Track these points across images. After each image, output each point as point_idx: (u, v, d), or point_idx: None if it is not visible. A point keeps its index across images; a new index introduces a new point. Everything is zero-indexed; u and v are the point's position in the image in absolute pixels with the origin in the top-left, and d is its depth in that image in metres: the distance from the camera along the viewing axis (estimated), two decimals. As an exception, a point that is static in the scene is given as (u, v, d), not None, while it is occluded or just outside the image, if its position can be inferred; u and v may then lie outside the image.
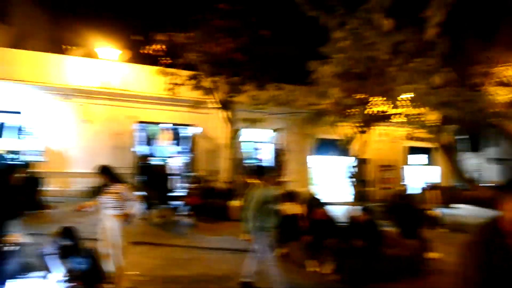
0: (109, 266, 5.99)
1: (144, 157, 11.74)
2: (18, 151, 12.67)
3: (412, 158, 16.67)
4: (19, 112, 12.86)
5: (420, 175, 16.27)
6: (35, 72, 13.09)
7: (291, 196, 8.60)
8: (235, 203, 10.48)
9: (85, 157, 12.69)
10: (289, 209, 8.10)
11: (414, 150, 16.27)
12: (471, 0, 11.85)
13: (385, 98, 10.72)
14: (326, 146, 14.86)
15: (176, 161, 14.43)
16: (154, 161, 12.44)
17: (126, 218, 6.01)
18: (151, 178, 10.22)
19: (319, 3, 10.22)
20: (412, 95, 10.32)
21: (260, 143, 15.78)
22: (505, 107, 12.48)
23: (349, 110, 10.48)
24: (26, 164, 10.55)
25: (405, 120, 10.99)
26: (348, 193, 13.15)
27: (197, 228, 10.02)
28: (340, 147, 13.36)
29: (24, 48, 14.24)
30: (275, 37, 12.18)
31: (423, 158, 16.73)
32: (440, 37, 10.17)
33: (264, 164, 15.01)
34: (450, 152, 14.19)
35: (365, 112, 10.52)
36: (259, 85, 12.58)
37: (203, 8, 11.83)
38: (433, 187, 13.57)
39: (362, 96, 10.49)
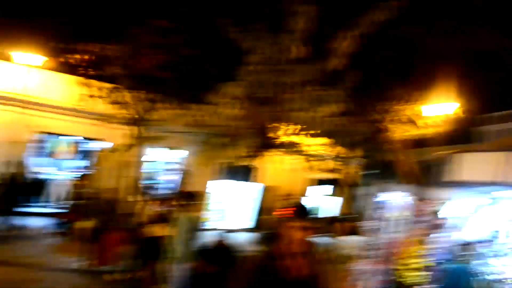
0: None
1: (21, 167, 11.09)
2: None
3: (317, 189, 16.81)
4: None
5: (323, 205, 16.45)
6: None
7: (162, 218, 8.24)
8: (85, 223, 9.70)
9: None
10: (157, 231, 7.83)
11: (320, 181, 16.43)
12: (388, 38, 12.19)
13: (282, 125, 10.72)
14: (232, 171, 14.60)
15: (71, 175, 13.82)
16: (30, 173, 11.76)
17: None
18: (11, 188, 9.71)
19: (242, 25, 10.23)
20: (306, 123, 10.38)
21: (166, 164, 15.38)
22: (403, 145, 12.82)
23: (241, 133, 10.38)
24: None
25: (297, 149, 11.04)
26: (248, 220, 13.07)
27: (55, 246, 9.65)
28: (244, 173, 13.31)
29: None
30: (201, 56, 12.22)
31: (328, 189, 16.92)
32: (348, 69, 10.40)
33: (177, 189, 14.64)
34: (350, 185, 14.39)
35: (258, 137, 10.45)
36: (178, 103, 12.46)
37: (136, 22, 11.75)
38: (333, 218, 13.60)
39: (259, 121, 10.44)
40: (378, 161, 14.94)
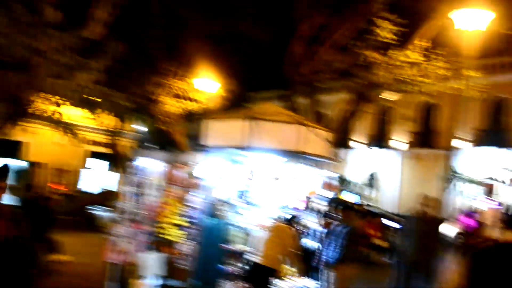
0: None
1: None
2: None
3: (93, 163, 16.68)
4: None
5: (99, 179, 16.48)
6: None
7: None
8: None
9: None
10: None
11: (98, 155, 16.36)
12: (155, 14, 12.40)
13: (38, 93, 10.18)
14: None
15: None
16: None
17: None
18: None
19: None
20: (61, 91, 10.04)
21: None
22: (175, 117, 13.50)
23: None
24: None
25: (58, 120, 10.65)
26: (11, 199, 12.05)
27: None
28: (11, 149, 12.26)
29: None
30: None
31: (104, 163, 16.97)
32: (110, 40, 10.32)
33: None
34: (125, 158, 14.60)
35: (5, 106, 9.72)
36: None
37: None
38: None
39: (6, 88, 9.67)
40: (151, 132, 15.42)
